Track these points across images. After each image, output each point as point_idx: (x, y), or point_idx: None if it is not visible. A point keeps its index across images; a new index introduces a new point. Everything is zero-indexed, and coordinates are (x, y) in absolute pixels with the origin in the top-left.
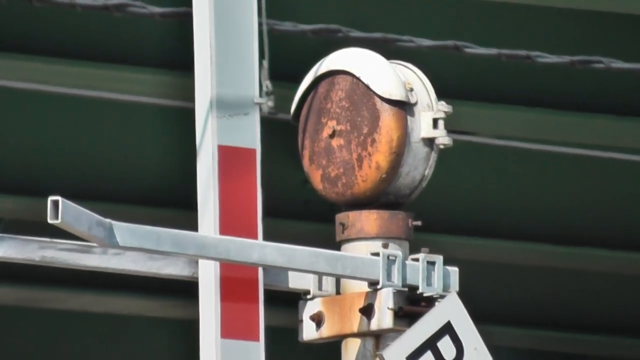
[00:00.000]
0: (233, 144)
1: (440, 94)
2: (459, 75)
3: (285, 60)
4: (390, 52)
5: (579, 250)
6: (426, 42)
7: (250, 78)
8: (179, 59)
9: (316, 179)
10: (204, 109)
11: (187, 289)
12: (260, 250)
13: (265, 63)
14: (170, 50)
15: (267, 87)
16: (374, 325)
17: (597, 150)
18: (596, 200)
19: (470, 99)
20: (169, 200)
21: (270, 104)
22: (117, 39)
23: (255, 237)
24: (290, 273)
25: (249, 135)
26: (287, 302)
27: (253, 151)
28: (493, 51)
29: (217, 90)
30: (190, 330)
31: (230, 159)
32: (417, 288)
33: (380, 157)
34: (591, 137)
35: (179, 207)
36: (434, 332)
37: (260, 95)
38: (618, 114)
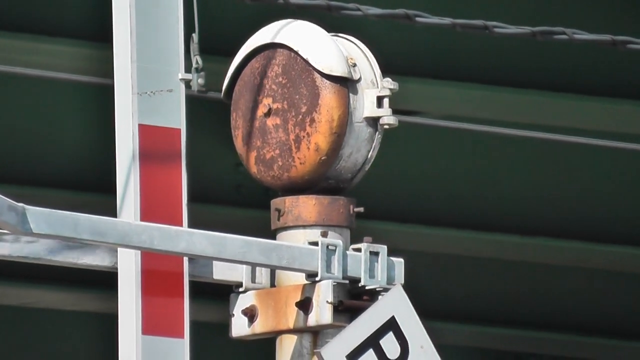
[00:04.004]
0: (155, 124)
1: (386, 70)
2: (407, 50)
3: (217, 32)
4: (334, 21)
5: (534, 241)
6: (374, 11)
7: (175, 51)
8: (99, 29)
9: (250, 161)
10: (123, 84)
11: (106, 281)
12: (187, 238)
13: (196, 37)
14: (90, 18)
15: (197, 62)
16: (312, 320)
17: (556, 132)
18: (554, 186)
19: (417, 75)
20: (87, 183)
21: (201, 81)
22: (30, 7)
23: (180, 224)
24: (220, 264)
25: (173, 113)
26: (216, 295)
27: (177, 131)
28: (446, 21)
29: (137, 64)
30: (109, 325)
31: (152, 139)
32: (359, 280)
33: (319, 137)
34: (551, 118)
35: (97, 191)
36: (376, 328)
37: (189, 72)
38: (579, 92)
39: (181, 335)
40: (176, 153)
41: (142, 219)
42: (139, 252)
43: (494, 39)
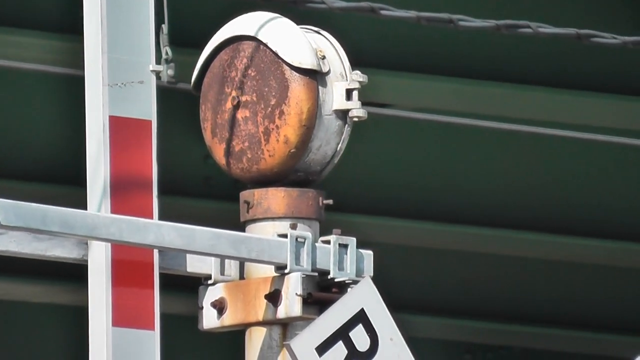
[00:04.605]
0: (126, 115)
1: (355, 63)
2: (375, 43)
3: (187, 24)
4: (300, 15)
5: (505, 233)
6: (338, 4)
7: (146, 42)
8: (70, 20)
9: (219, 153)
10: (94, 76)
11: (76, 273)
12: (156, 230)
13: (165, 28)
14: (61, 10)
15: (167, 53)
16: (281, 313)
17: (526, 124)
18: (526, 179)
19: (387, 68)
20: (57, 175)
21: (171, 72)
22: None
23: (150, 217)
24: (189, 256)
25: (144, 105)
26: (185, 287)
27: (148, 123)
28: (411, 14)
29: (108, 56)
30: (80, 317)
31: (123, 131)
32: (328, 273)
33: (289, 130)
34: (521, 111)
35: (67, 184)
36: (345, 320)
37: (160, 63)
38: (550, 85)
39: (152, 328)
40: (147, 145)
41: (112, 211)
42: (109, 243)
43: (463, 31)
